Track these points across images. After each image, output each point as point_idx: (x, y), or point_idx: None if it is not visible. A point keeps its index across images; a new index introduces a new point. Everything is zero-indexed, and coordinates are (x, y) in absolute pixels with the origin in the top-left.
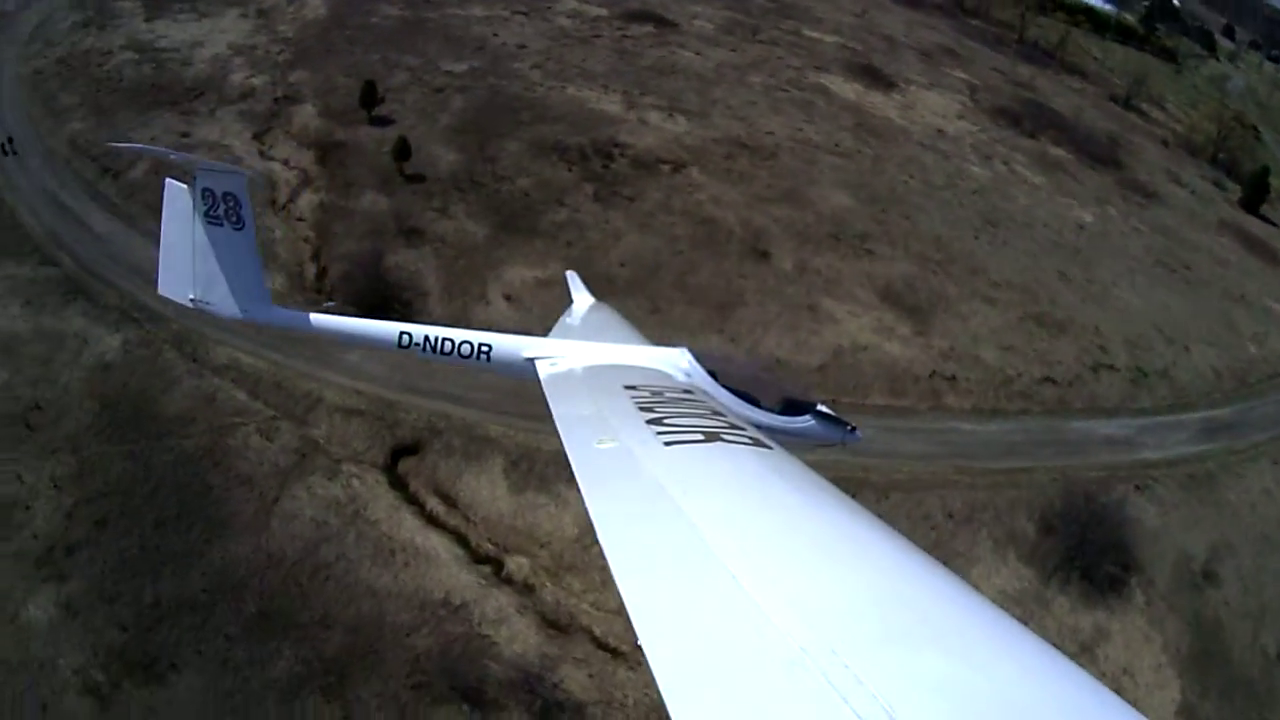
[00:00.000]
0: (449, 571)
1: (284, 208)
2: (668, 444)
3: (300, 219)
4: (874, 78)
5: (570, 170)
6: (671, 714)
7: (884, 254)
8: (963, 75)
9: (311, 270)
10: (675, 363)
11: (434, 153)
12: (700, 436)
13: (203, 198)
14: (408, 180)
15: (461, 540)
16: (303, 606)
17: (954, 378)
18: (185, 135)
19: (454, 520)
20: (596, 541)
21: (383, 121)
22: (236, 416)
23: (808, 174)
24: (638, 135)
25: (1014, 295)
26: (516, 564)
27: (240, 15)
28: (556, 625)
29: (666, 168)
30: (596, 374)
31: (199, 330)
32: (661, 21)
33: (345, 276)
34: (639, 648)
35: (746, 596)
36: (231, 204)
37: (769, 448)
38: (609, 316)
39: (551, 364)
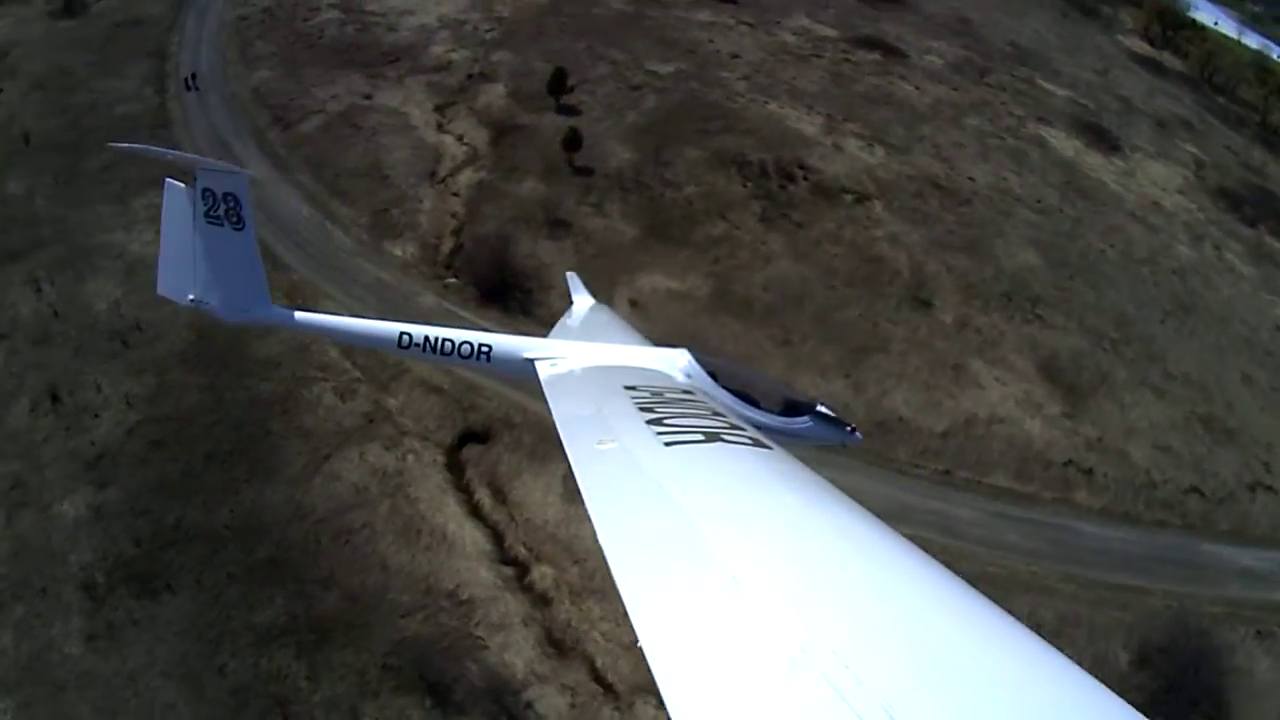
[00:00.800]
0: (468, 565)
1: (442, 181)
2: (668, 444)
3: (455, 194)
4: (1098, 137)
5: (745, 186)
6: (671, 714)
7: (1056, 323)
8: (1193, 149)
9: (448, 245)
10: (675, 363)
11: (609, 148)
12: (700, 437)
13: (203, 198)
14: (575, 172)
15: (496, 537)
16: (312, 564)
17: (1091, 471)
18: (367, 97)
19: (497, 516)
20: None
21: (570, 111)
22: (320, 371)
23: (998, 226)
24: (828, 161)
25: (1187, 391)
26: (541, 573)
27: None
28: (558, 645)
29: (849, 198)
30: (597, 374)
31: (315, 283)
32: (890, 51)
33: (473, 257)
34: (638, 689)
35: (747, 596)
36: (232, 204)
37: (769, 448)
38: (609, 318)
39: (552, 364)
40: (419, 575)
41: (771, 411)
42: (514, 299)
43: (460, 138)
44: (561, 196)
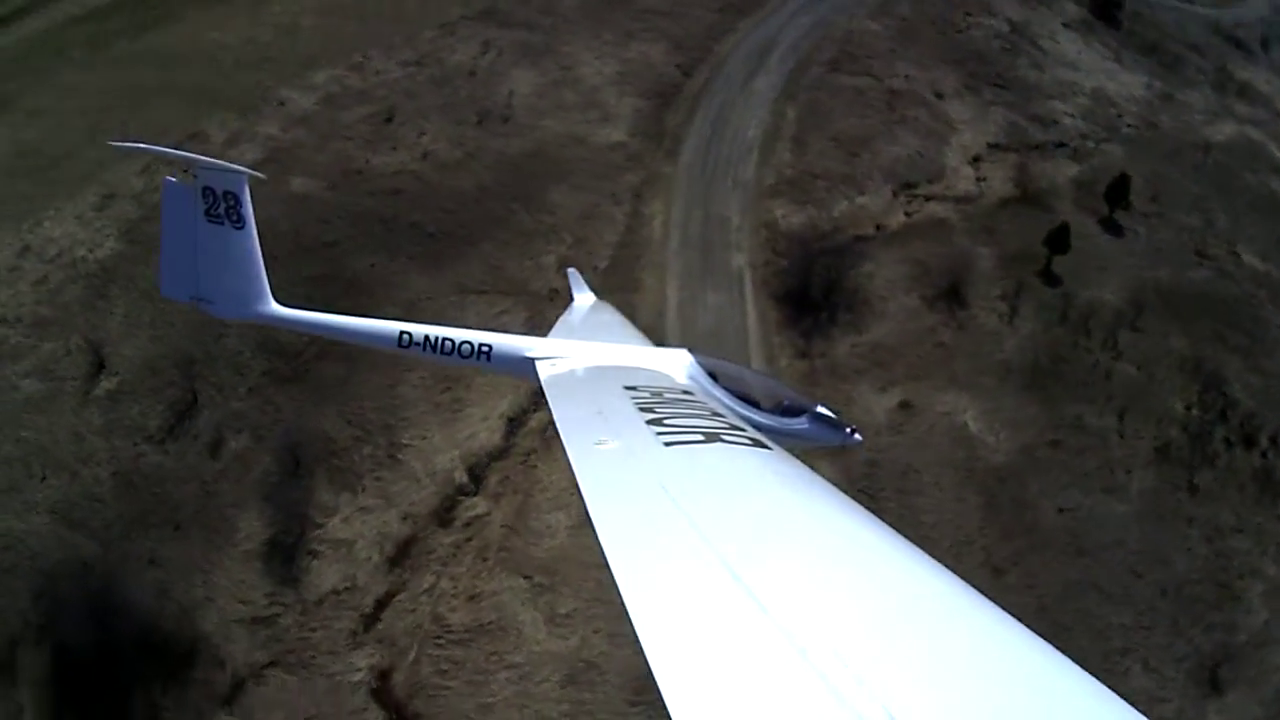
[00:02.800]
0: (444, 454)
1: (909, 196)
2: (668, 444)
3: (907, 214)
4: None
5: (1187, 409)
6: (672, 714)
7: None
8: None
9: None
10: (675, 364)
11: (1102, 278)
12: (700, 437)
13: (203, 196)
14: (1039, 272)
15: (497, 453)
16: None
17: None
18: (938, 95)
19: (524, 442)
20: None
21: (1113, 229)
22: (544, 235)
23: None
24: None
25: None
26: (473, 505)
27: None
28: (399, 555)
29: None
30: (597, 374)
31: (677, 184)
32: None
33: (804, 242)
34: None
35: (747, 597)
36: (231, 203)
37: (768, 448)
38: (610, 316)
39: (552, 364)
40: (400, 417)
41: (771, 412)
42: (809, 314)
43: (980, 179)
44: (991, 281)
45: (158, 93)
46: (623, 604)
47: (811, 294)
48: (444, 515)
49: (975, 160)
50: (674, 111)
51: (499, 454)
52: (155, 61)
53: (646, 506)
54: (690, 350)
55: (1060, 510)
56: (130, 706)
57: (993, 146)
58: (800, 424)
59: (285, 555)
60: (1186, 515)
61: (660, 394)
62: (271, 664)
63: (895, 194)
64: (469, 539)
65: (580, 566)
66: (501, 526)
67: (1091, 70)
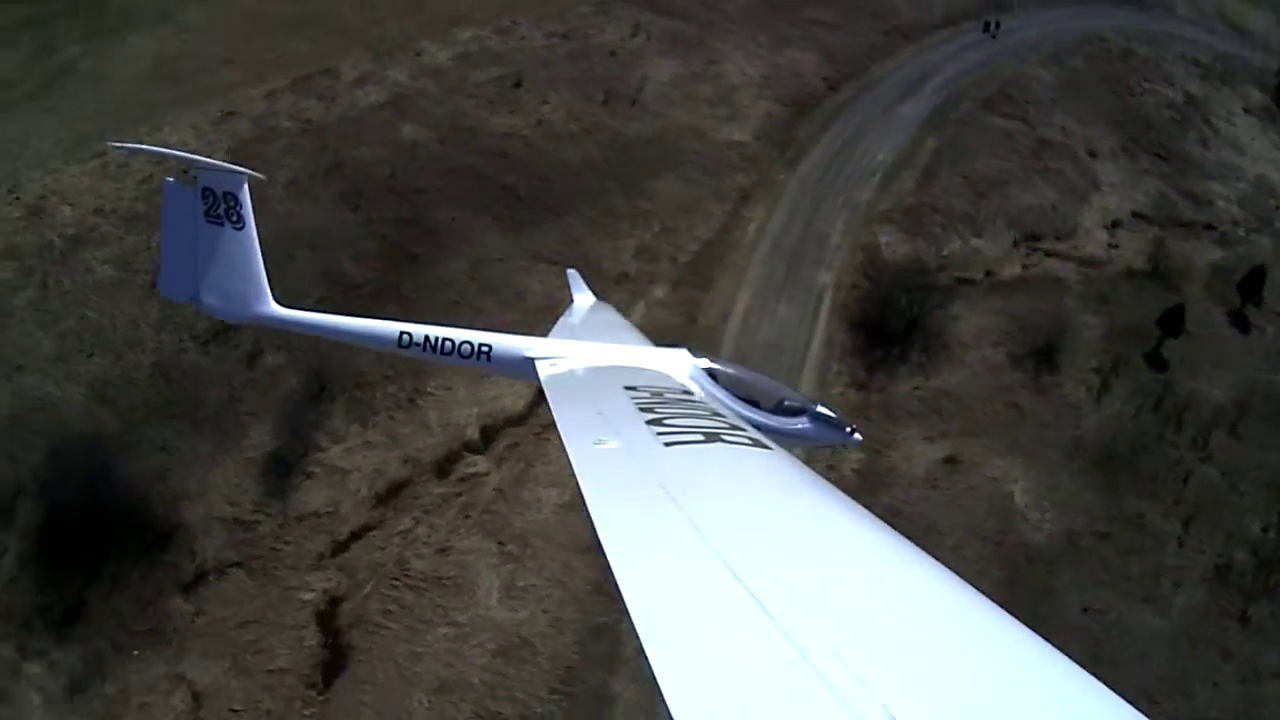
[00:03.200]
0: (462, 410)
1: (1030, 249)
2: (668, 444)
3: (1024, 265)
4: None
5: (1263, 531)
6: (673, 714)
7: None
8: None
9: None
10: (675, 363)
11: (1211, 375)
12: (700, 437)
13: (202, 197)
14: (1147, 356)
15: (517, 419)
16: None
17: None
18: (1091, 154)
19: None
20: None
21: (1242, 323)
22: (633, 219)
23: None
24: None
25: None
26: (475, 465)
27: None
28: (388, 494)
29: None
30: (597, 374)
31: (787, 189)
32: None
33: (900, 273)
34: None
35: (747, 597)
36: (231, 203)
37: (769, 448)
38: (610, 316)
39: (552, 364)
40: (432, 365)
41: (771, 412)
42: (880, 346)
43: (1113, 245)
44: (1090, 351)
45: (308, 24)
46: (623, 603)
47: (889, 326)
48: (444, 467)
49: (1113, 225)
50: (808, 122)
51: (517, 420)
52: None
53: (646, 506)
54: (690, 350)
55: (1085, 609)
56: (100, 570)
57: (1136, 215)
58: (800, 424)
59: (282, 470)
60: (1226, 647)
61: (660, 394)
62: (236, 564)
63: (1016, 243)
64: (458, 494)
65: (554, 546)
66: (494, 490)
67: (1260, 158)
